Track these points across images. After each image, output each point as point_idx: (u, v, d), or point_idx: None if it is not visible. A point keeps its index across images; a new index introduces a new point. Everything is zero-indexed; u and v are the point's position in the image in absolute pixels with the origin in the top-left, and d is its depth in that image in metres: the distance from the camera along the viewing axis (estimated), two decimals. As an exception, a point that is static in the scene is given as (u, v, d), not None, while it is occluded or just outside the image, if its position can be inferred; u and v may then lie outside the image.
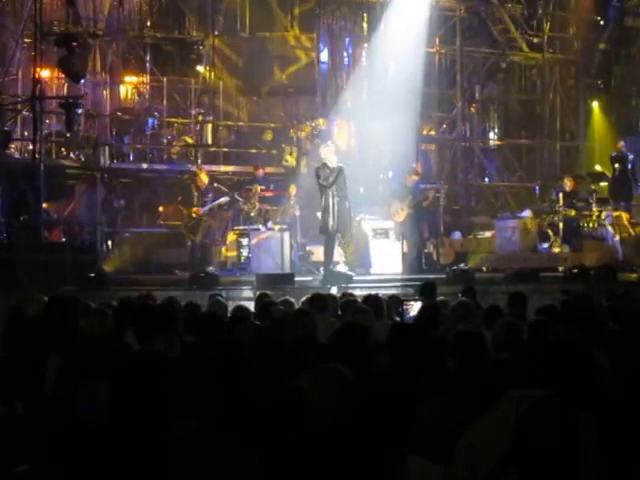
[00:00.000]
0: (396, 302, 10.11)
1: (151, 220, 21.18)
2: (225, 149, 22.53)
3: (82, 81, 19.00)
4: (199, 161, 21.29)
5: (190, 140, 21.93)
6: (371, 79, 23.01)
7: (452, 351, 5.55)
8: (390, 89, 21.78)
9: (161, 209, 21.30)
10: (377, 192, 20.86)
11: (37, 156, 17.38)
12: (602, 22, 25.93)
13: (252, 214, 18.69)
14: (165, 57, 23.36)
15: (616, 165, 21.31)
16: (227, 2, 23.57)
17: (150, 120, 21.88)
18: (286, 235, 17.86)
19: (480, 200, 25.27)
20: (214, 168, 20.95)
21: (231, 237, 18.90)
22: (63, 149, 20.53)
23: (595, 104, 26.24)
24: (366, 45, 23.55)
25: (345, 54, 23.94)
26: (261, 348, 6.01)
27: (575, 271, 16.20)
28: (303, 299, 9.71)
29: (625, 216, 20.04)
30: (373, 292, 10.77)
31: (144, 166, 21.16)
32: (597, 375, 4.54)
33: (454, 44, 24.61)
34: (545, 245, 19.95)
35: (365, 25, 23.87)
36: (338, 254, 16.28)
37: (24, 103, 18.80)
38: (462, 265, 17.19)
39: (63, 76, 19.28)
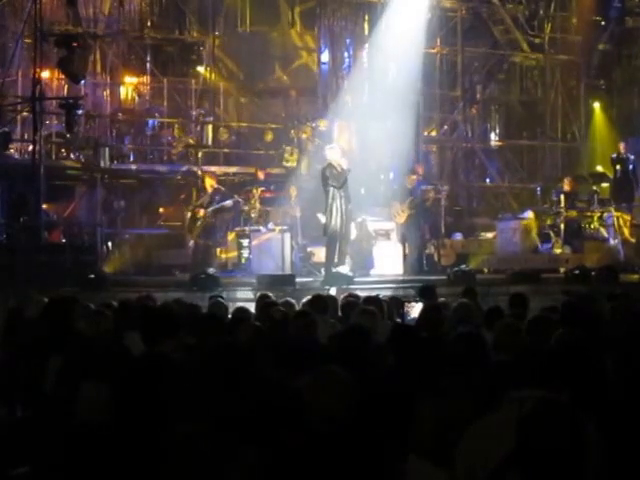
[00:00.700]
0: (397, 303, 10.09)
1: (151, 221, 21.20)
2: (225, 150, 22.52)
3: (82, 82, 19.00)
4: (199, 162, 21.29)
5: (191, 141, 21.92)
6: (372, 80, 23.00)
7: (452, 352, 5.53)
8: (391, 90, 21.78)
9: (161, 210, 21.30)
10: (378, 193, 20.83)
11: (37, 157, 17.37)
12: (603, 22, 25.95)
13: (253, 215, 18.67)
14: (165, 58, 23.37)
15: (617, 166, 21.29)
16: (228, 2, 23.56)
17: (150, 121, 21.91)
18: (287, 236, 17.84)
19: (481, 201, 25.28)
20: (214, 169, 20.93)
21: (231, 238, 18.88)
22: (63, 150, 20.55)
23: (596, 104, 26.24)
24: (367, 46, 23.53)
25: (346, 55, 23.94)
26: (261, 349, 5.99)
27: (576, 272, 16.15)
28: (304, 300, 9.69)
29: (626, 217, 20.02)
30: (374, 293, 10.75)
31: (144, 167, 21.16)
32: (598, 376, 4.52)
33: (455, 45, 24.62)
34: (546, 246, 19.93)
35: (366, 26, 23.86)
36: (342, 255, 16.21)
37: (24, 104, 18.80)
38: (463, 266, 17.16)
39: (63, 77, 19.31)
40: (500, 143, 26.30)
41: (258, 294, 10.99)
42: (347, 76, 23.33)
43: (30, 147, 18.56)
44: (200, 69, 23.25)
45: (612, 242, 19.50)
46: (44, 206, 18.38)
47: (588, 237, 19.75)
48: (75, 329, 7.44)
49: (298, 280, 15.37)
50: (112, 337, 7.17)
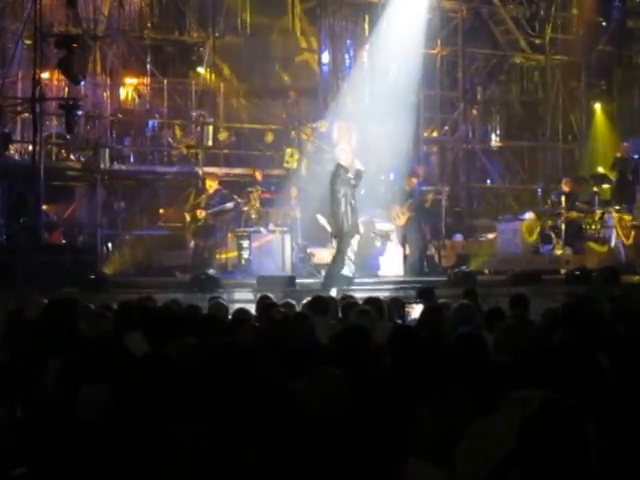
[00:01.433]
0: (397, 304, 10.08)
1: (151, 222, 21.19)
2: (226, 151, 22.51)
3: (82, 83, 19.00)
4: (200, 163, 21.28)
5: (191, 142, 21.91)
6: (372, 80, 22.99)
7: (453, 353, 5.52)
8: (391, 91, 21.78)
9: (162, 211, 21.29)
10: (379, 194, 20.80)
11: (37, 158, 17.36)
12: (604, 23, 25.94)
13: (253, 216, 18.66)
14: (165, 58, 23.35)
15: (619, 168, 21.28)
16: (228, 2, 23.55)
17: (150, 122, 21.91)
18: (287, 237, 17.83)
19: (482, 202, 25.28)
20: (214, 170, 20.93)
21: (231, 239, 18.87)
22: (63, 151, 20.55)
23: (597, 105, 26.24)
24: (367, 46, 23.52)
25: (346, 55, 23.93)
26: (262, 350, 5.99)
27: (577, 273, 16.14)
28: (304, 301, 9.67)
29: (627, 218, 20.00)
30: (374, 294, 10.73)
31: (144, 168, 21.15)
32: (598, 376, 4.51)
33: (456, 45, 24.62)
34: (547, 247, 19.91)
35: (366, 26, 23.85)
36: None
37: (24, 105, 18.79)
38: (464, 267, 17.18)
39: (63, 78, 19.27)
40: (501, 144, 26.28)
41: (258, 295, 10.99)
42: (347, 77, 23.31)
43: (30, 148, 18.56)
44: (200, 70, 23.23)
45: (613, 243, 19.50)
46: (44, 207, 18.39)
47: (589, 238, 19.73)
48: (75, 330, 7.43)
49: (298, 281, 15.35)
50: (112, 338, 7.16)
